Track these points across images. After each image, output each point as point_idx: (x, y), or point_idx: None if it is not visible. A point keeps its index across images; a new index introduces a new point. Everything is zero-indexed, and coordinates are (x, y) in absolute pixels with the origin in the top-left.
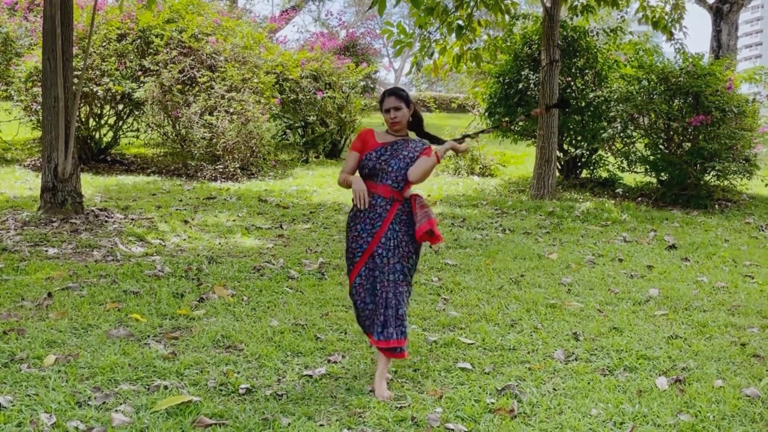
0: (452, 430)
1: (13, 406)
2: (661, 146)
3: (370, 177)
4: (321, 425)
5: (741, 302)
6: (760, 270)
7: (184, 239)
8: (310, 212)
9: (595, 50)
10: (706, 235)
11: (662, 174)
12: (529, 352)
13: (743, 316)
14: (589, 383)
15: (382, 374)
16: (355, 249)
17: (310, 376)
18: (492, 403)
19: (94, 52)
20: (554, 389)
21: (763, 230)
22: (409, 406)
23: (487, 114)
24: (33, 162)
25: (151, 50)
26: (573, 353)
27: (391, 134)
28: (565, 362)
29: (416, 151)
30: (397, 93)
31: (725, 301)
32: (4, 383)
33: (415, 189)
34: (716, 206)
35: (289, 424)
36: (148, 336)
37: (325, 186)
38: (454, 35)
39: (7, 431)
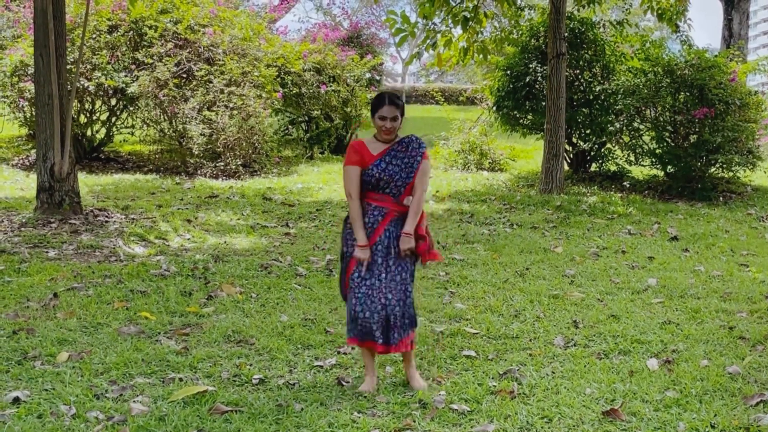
0: (456, 410)
1: (31, 399)
2: (667, 139)
3: (372, 190)
4: (332, 410)
5: (734, 289)
6: (755, 259)
7: (188, 239)
8: (317, 210)
9: (603, 42)
10: (708, 227)
11: (668, 167)
12: (530, 340)
13: (734, 301)
14: (585, 366)
15: (412, 365)
16: (348, 260)
17: (321, 367)
18: (494, 385)
19: (84, 44)
20: (552, 372)
21: (763, 221)
22: (416, 391)
23: (495, 108)
24: (21, 161)
25: (145, 42)
26: (572, 339)
27: (381, 141)
28: (564, 348)
29: (414, 157)
30: (394, 101)
31: (719, 288)
32: (20, 379)
33: None
34: (720, 198)
35: (302, 409)
36: (159, 333)
37: (331, 183)
38: (459, 27)
39: (29, 422)
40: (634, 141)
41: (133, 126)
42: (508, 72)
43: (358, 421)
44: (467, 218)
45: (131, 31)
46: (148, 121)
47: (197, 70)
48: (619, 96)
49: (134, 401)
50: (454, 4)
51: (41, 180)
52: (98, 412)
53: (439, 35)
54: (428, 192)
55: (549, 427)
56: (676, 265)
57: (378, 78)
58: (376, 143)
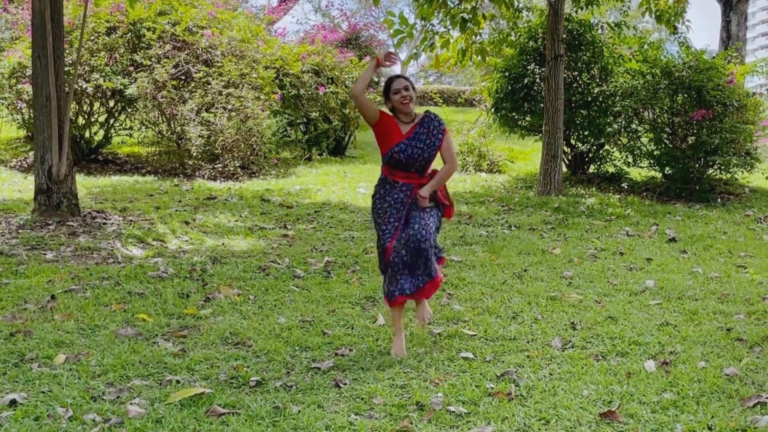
0: (453, 411)
1: (28, 402)
2: (665, 141)
3: (399, 168)
4: (330, 412)
5: (731, 291)
6: (753, 260)
7: (186, 240)
8: (315, 211)
9: (601, 44)
10: (706, 228)
11: (667, 168)
12: (528, 342)
13: (732, 303)
14: (582, 368)
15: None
16: (385, 231)
17: (318, 369)
18: (491, 387)
19: (82, 46)
20: (550, 374)
21: (761, 222)
22: (414, 393)
23: (493, 109)
24: (19, 162)
25: (143, 44)
26: (570, 341)
27: (405, 121)
28: (561, 349)
29: (435, 135)
30: (400, 76)
31: (716, 290)
32: (17, 381)
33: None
34: (718, 199)
35: (299, 411)
36: (157, 335)
37: (330, 184)
38: (458, 29)
39: (25, 425)
40: (632, 142)
41: (131, 128)
42: (507, 74)
43: (356, 423)
44: (465, 220)
45: (129, 33)
46: (146, 123)
47: (195, 72)
48: (618, 97)
49: (131, 403)
50: (452, 6)
51: (39, 182)
52: (95, 414)
53: (437, 36)
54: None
55: (546, 429)
56: (674, 267)
57: (377, 79)
58: (402, 123)
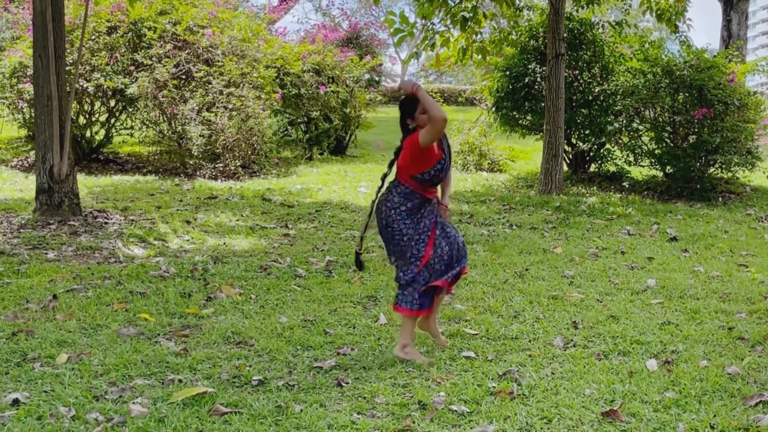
0: (455, 411)
1: (31, 401)
2: (666, 139)
3: (434, 183)
4: (332, 411)
5: (733, 290)
6: (754, 259)
7: (187, 240)
8: (316, 211)
9: (602, 43)
10: (707, 227)
11: (668, 167)
12: (530, 341)
13: (733, 302)
14: (584, 367)
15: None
16: (419, 242)
17: (320, 368)
18: (493, 386)
19: (83, 45)
20: (552, 373)
21: (762, 221)
22: (416, 392)
23: (494, 108)
24: (20, 162)
25: (144, 44)
26: (572, 340)
27: None
28: (563, 349)
29: (449, 146)
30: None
31: (718, 289)
32: (19, 381)
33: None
34: (719, 198)
35: (301, 410)
36: (159, 334)
37: (331, 184)
38: (458, 28)
39: (28, 424)
40: (633, 141)
41: (132, 127)
42: (507, 73)
43: (358, 422)
44: (466, 219)
45: (130, 33)
46: (147, 123)
47: (196, 71)
48: (618, 96)
49: (134, 403)
50: (452, 4)
51: (40, 181)
52: (98, 413)
53: (437, 35)
54: None
55: (548, 428)
56: (676, 266)
57: (377, 79)
58: None
